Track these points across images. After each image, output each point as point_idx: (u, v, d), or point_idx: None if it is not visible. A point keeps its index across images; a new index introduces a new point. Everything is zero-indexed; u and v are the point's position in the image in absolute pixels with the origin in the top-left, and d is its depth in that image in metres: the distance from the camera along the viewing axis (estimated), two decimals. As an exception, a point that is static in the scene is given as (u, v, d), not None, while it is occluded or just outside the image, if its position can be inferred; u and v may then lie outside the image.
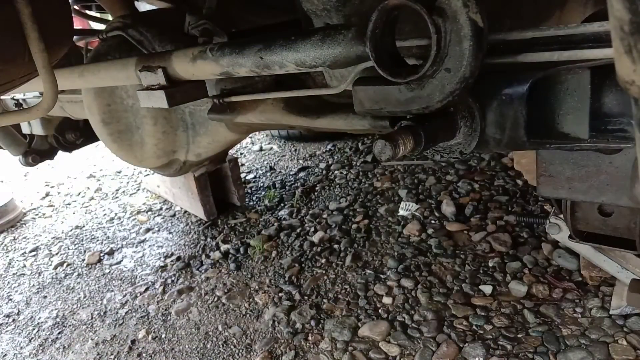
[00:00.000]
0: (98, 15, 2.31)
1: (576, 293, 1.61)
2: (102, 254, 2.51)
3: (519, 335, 1.50)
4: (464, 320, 1.60)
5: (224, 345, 1.72)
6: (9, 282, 2.42)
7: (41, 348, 1.89)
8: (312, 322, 1.73)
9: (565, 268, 1.73)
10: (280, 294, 1.91)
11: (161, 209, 2.93)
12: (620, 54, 0.30)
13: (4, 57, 0.83)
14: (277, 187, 2.93)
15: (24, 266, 2.55)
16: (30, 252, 2.69)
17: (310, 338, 1.67)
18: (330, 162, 3.14)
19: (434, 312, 1.66)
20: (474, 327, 1.57)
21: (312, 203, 2.63)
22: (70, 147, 2.32)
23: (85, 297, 2.17)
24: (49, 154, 2.42)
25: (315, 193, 2.74)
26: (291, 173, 3.11)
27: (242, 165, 3.40)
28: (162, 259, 2.36)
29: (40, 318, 2.08)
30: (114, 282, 2.24)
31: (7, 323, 2.09)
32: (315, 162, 3.23)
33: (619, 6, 0.28)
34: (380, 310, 1.72)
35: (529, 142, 0.67)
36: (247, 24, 1.49)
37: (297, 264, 2.09)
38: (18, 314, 2.15)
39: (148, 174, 3.36)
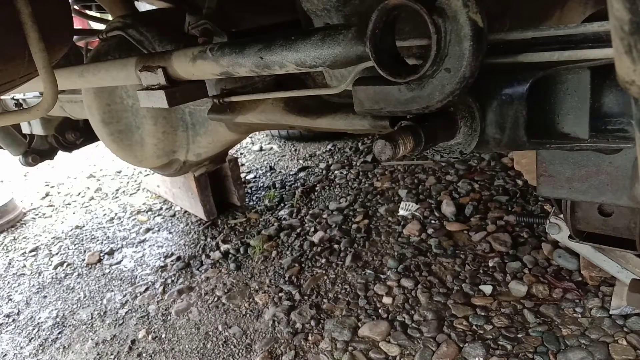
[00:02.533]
0: (98, 15, 2.31)
1: (576, 293, 1.61)
2: (102, 254, 2.51)
3: (519, 335, 1.50)
4: (464, 320, 1.60)
5: (224, 345, 1.72)
6: (9, 282, 2.42)
7: (41, 348, 1.89)
8: (312, 322, 1.73)
9: (565, 268, 1.73)
10: (280, 294, 1.92)
11: (161, 209, 2.93)
12: (620, 53, 0.30)
13: (4, 57, 0.83)
14: (277, 187, 2.93)
15: (24, 266, 2.55)
16: (30, 252, 2.69)
17: (310, 338, 1.67)
18: (330, 162, 3.14)
19: (434, 312, 1.66)
20: (474, 327, 1.57)
21: (312, 203, 2.63)
22: (70, 147, 2.32)
23: (85, 297, 2.17)
24: (49, 154, 2.42)
25: (315, 193, 2.74)
26: (291, 173, 3.11)
27: (242, 165, 3.40)
28: (162, 259, 2.36)
29: (40, 318, 2.08)
30: (114, 282, 2.24)
31: (7, 323, 2.09)
32: (315, 162, 3.23)
33: (619, 6, 0.28)
34: (380, 310, 1.72)
35: (529, 142, 0.67)
36: (247, 24, 1.49)
37: (297, 264, 2.09)
38: (18, 314, 2.15)
39: (148, 174, 3.36)
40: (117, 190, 3.40)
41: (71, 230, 2.87)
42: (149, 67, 0.97)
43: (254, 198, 2.84)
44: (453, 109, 0.69)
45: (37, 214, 3.23)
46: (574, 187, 0.78)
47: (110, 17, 1.56)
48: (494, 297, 1.67)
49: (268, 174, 3.18)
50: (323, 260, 2.08)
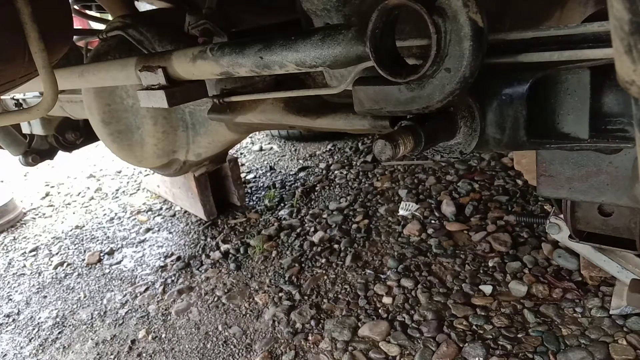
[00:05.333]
0: (98, 15, 2.31)
1: (576, 293, 1.61)
2: (102, 254, 2.51)
3: (519, 335, 1.50)
4: (464, 320, 1.60)
5: (224, 345, 1.72)
6: (9, 282, 2.42)
7: (41, 348, 1.89)
8: (312, 322, 1.73)
9: (565, 268, 1.73)
10: (280, 294, 1.91)
11: (161, 208, 2.93)
12: (620, 53, 0.30)
13: (4, 57, 0.83)
14: (277, 187, 2.93)
15: (24, 266, 2.55)
16: (30, 252, 2.69)
17: (310, 338, 1.67)
18: (330, 162, 3.14)
19: (434, 312, 1.66)
20: (474, 327, 1.57)
21: (312, 203, 2.63)
22: (70, 147, 2.32)
23: (85, 297, 2.17)
24: (49, 154, 2.42)
25: (315, 193, 2.74)
26: (291, 173, 3.11)
27: (242, 165, 3.40)
28: (162, 259, 2.36)
29: (40, 318, 2.08)
30: (114, 282, 2.24)
31: (7, 323, 2.09)
32: (315, 162, 3.23)
33: (619, 6, 0.28)
34: (380, 310, 1.72)
35: (529, 142, 0.67)
36: (247, 24, 1.49)
37: (297, 264, 2.09)
38: (18, 313, 2.15)
39: (148, 174, 3.36)
40: (117, 190, 3.40)
41: (71, 230, 2.87)
42: (149, 67, 0.97)
43: (254, 198, 2.83)
44: (453, 109, 0.69)
45: (37, 214, 3.23)
46: (574, 187, 0.78)
47: (110, 17, 1.56)
48: (494, 297, 1.67)
49: (268, 174, 3.18)
50: (323, 260, 2.08)
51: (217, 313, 1.89)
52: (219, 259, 2.25)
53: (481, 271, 1.82)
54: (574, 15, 1.07)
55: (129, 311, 2.00)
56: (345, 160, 3.12)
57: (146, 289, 2.13)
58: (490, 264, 1.84)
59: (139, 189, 3.33)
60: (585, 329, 1.47)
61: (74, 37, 1.62)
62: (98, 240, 2.69)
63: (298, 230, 2.37)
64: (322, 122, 1.08)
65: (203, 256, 2.31)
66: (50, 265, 2.50)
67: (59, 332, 1.96)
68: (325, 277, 1.97)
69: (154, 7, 1.72)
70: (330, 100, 1.10)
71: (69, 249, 2.65)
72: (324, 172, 3.01)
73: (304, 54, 0.71)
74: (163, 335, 1.82)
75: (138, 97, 1.02)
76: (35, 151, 2.35)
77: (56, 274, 2.41)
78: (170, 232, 2.62)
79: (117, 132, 1.51)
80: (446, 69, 0.58)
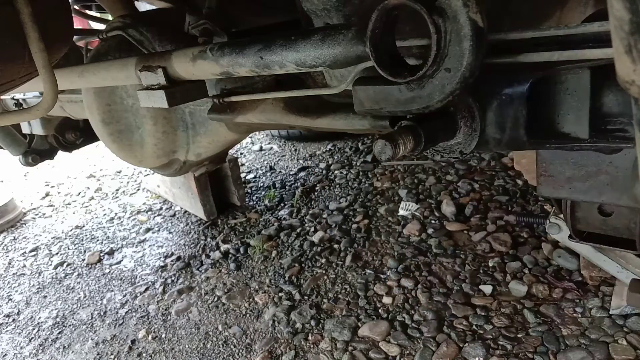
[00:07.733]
0: (98, 15, 2.31)
1: (576, 293, 1.61)
2: (102, 254, 2.51)
3: (519, 335, 1.50)
4: (464, 320, 1.60)
5: (224, 345, 1.72)
6: (9, 282, 2.42)
7: (41, 348, 1.89)
8: (312, 322, 1.73)
9: (565, 268, 1.73)
10: (280, 294, 1.91)
11: (161, 208, 2.93)
12: (620, 53, 0.30)
13: (4, 57, 0.83)
14: (277, 187, 2.93)
15: (24, 266, 2.55)
16: (30, 252, 2.69)
17: (310, 338, 1.67)
18: (330, 162, 3.14)
19: (434, 312, 1.66)
20: (474, 327, 1.57)
21: (312, 203, 2.63)
22: (70, 147, 2.32)
23: (85, 297, 2.17)
24: (49, 154, 2.42)
25: (315, 193, 2.74)
26: (291, 173, 3.11)
27: (242, 165, 3.40)
28: (162, 259, 2.36)
29: (40, 318, 2.08)
30: (114, 282, 2.24)
31: (7, 323, 2.09)
32: (315, 162, 3.23)
33: (619, 6, 0.28)
34: (380, 310, 1.72)
35: (529, 142, 0.67)
36: (247, 24, 1.49)
37: (297, 263, 2.09)
38: (18, 313, 2.15)
39: (148, 174, 3.36)
40: (117, 190, 3.40)
41: (71, 230, 2.87)
42: (149, 67, 0.97)
43: (254, 198, 2.83)
44: (453, 108, 0.69)
45: (37, 214, 3.23)
46: (574, 187, 0.78)
47: (110, 17, 1.56)
48: (494, 297, 1.67)
49: (268, 174, 3.18)
50: (323, 260, 2.08)
51: (217, 313, 1.89)
52: (219, 259, 2.25)
53: (481, 271, 1.82)
54: (574, 15, 1.07)
55: (129, 311, 2.00)
56: (345, 160, 3.12)
57: (146, 289, 2.13)
58: (490, 264, 1.84)
59: (139, 189, 3.33)
60: (585, 329, 1.47)
61: (74, 37, 1.62)
62: (98, 240, 2.69)
63: (298, 230, 2.37)
64: (322, 122, 1.08)
65: (203, 256, 2.31)
66: (50, 265, 2.50)
67: (59, 332, 1.96)
68: (325, 277, 1.97)
69: (154, 7, 1.72)
70: (330, 100, 1.10)
71: (69, 249, 2.65)
72: (324, 172, 3.01)
73: (304, 54, 0.71)
74: (163, 335, 1.83)
75: (138, 97, 1.02)
76: (35, 151, 2.35)
77: (56, 274, 2.41)
78: (170, 232, 2.62)
79: (117, 132, 1.51)
80: (446, 69, 0.58)
